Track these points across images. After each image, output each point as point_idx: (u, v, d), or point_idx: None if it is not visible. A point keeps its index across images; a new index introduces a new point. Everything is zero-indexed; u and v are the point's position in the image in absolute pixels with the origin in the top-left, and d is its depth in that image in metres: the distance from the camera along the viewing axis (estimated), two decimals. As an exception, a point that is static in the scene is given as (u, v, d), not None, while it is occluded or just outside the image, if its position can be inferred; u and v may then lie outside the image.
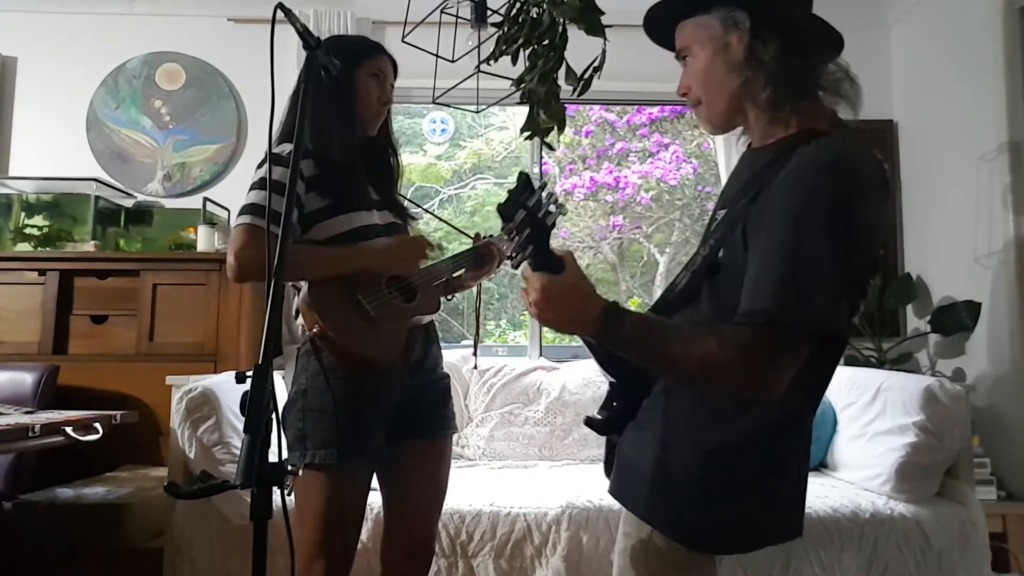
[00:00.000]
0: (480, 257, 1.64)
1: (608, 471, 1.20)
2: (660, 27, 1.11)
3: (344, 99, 1.47)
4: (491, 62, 1.68)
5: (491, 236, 1.70)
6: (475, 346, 1.84)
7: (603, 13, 1.50)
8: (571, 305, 0.98)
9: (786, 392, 0.94)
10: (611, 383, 1.15)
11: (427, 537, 1.57)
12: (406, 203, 1.65)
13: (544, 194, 1.02)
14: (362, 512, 1.46)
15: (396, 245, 1.47)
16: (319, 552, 1.36)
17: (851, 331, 1.02)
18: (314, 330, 1.33)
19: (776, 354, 0.90)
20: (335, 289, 1.37)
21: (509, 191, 1.00)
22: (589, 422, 1.15)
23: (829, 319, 0.90)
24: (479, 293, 1.78)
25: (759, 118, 1.04)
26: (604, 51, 1.51)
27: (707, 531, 1.03)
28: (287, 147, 1.38)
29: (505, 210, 0.99)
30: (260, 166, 1.43)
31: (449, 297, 1.67)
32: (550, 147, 1.69)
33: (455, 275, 1.63)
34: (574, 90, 1.58)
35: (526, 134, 1.65)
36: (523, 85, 1.60)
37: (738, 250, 0.97)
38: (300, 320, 1.42)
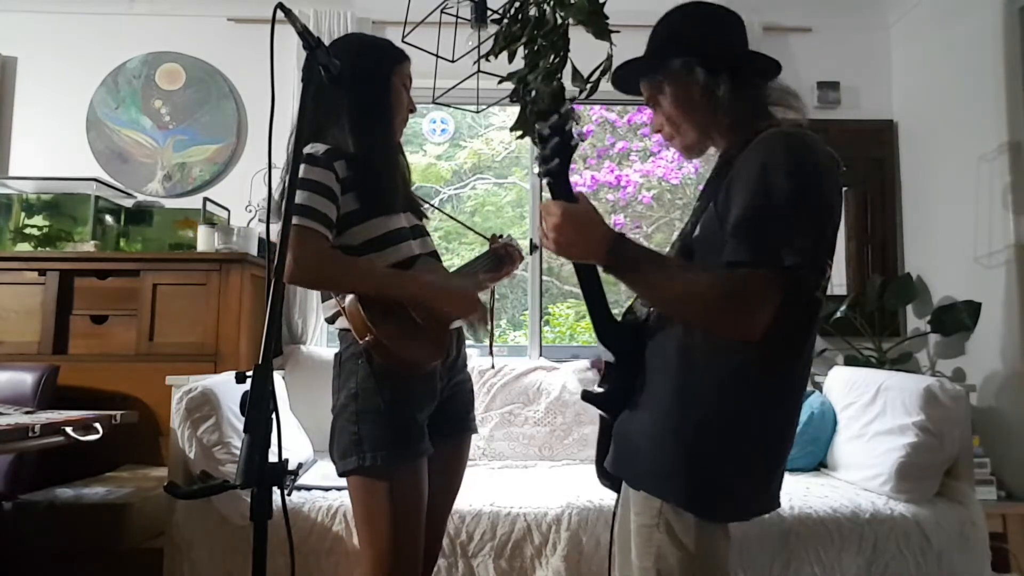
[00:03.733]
0: (499, 259, 1.66)
1: (600, 461, 1.26)
2: (628, 81, 1.28)
3: (384, 105, 1.48)
4: (491, 58, 1.68)
5: (503, 237, 1.70)
6: (491, 346, 1.85)
7: (608, 18, 1.51)
8: (587, 231, 1.09)
9: (774, 355, 1.07)
10: (607, 363, 1.22)
11: (437, 536, 1.58)
12: (423, 204, 1.65)
13: (574, 115, 1.11)
14: (425, 511, 1.42)
15: (459, 295, 1.45)
16: (393, 559, 1.33)
17: (824, 293, 1.11)
18: (367, 338, 1.31)
19: (754, 290, 0.99)
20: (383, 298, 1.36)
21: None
22: (587, 396, 1.23)
23: (802, 254, 0.99)
24: (492, 293, 1.79)
25: (723, 135, 1.19)
26: (610, 56, 1.52)
27: (713, 497, 1.08)
28: (320, 147, 1.38)
29: (542, 112, 1.11)
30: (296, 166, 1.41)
31: None
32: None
33: None
34: (580, 92, 1.58)
35: (517, 133, 1.66)
36: (528, 84, 1.60)
37: (712, 223, 1.09)
38: (342, 324, 1.40)
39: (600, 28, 1.49)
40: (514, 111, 1.67)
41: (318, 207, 1.32)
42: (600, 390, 1.22)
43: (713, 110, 1.15)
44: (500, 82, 1.72)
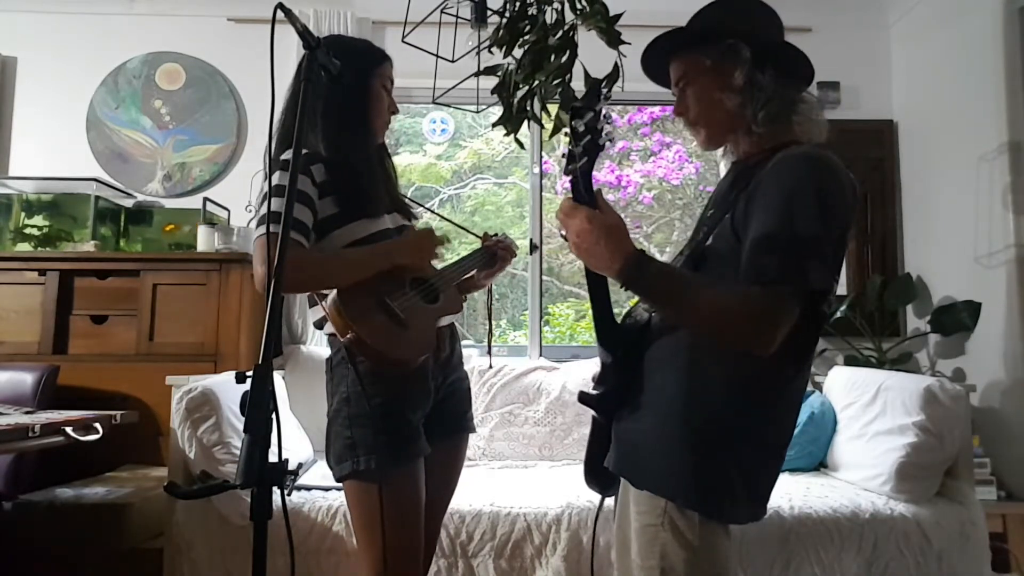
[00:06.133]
0: (492, 256, 1.65)
1: (589, 463, 1.27)
2: (654, 62, 1.24)
3: (361, 108, 1.46)
4: (493, 51, 1.69)
5: (497, 235, 1.70)
6: (488, 345, 1.85)
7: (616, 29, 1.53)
8: (610, 243, 1.07)
9: (780, 363, 1.07)
10: (604, 364, 1.22)
11: (433, 535, 1.58)
12: (409, 203, 1.64)
13: (605, 112, 1.10)
14: (423, 513, 1.42)
15: (411, 240, 1.46)
16: (393, 562, 1.33)
17: (829, 307, 1.12)
18: (348, 336, 1.30)
19: (778, 309, 0.99)
20: (362, 294, 1.34)
21: (582, 97, 1.11)
22: (583, 397, 1.22)
23: (823, 277, 1.02)
24: (490, 292, 1.79)
25: (748, 135, 1.16)
26: (616, 64, 1.53)
27: (719, 497, 1.08)
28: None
29: (578, 108, 1.09)
30: (273, 172, 1.39)
31: (464, 298, 1.67)
32: (520, 145, 1.73)
33: (468, 276, 1.64)
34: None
35: (501, 130, 1.68)
36: (535, 83, 1.61)
37: (726, 237, 1.08)
38: (328, 328, 1.39)
39: (613, 37, 1.51)
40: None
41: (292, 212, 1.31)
42: (596, 392, 1.22)
43: (747, 101, 1.13)
44: (478, 76, 1.73)
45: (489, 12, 1.86)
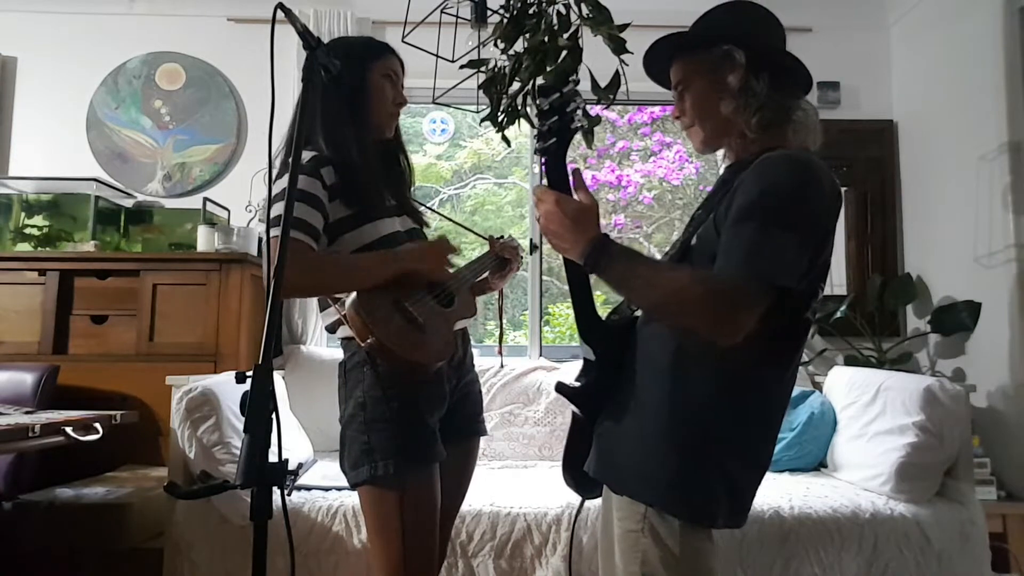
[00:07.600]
0: (501, 258, 1.65)
1: (567, 462, 1.26)
2: (656, 64, 1.25)
3: (359, 103, 1.44)
4: (498, 43, 1.69)
5: (502, 236, 1.70)
6: (499, 343, 1.86)
7: (625, 40, 1.54)
8: (577, 227, 1.08)
9: (764, 368, 1.08)
10: (585, 360, 1.21)
11: (445, 539, 1.56)
12: (419, 206, 1.63)
13: (578, 98, 1.11)
14: (438, 518, 1.40)
15: (424, 246, 1.44)
16: (408, 568, 1.32)
17: (814, 315, 1.12)
18: (369, 341, 1.28)
19: (740, 298, 0.98)
20: (382, 300, 1.33)
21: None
22: (560, 387, 1.22)
23: (788, 273, 1.00)
24: (501, 293, 1.79)
25: (741, 140, 1.16)
26: (617, 72, 1.54)
27: (699, 502, 1.07)
28: (306, 154, 1.34)
29: (544, 87, 1.11)
30: (280, 176, 1.37)
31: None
32: (507, 142, 1.73)
33: (480, 278, 1.63)
34: (598, 101, 1.61)
35: (488, 126, 1.70)
36: (530, 84, 1.61)
37: (710, 234, 1.08)
38: (343, 332, 1.38)
39: (620, 45, 1.53)
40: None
41: (302, 216, 1.29)
42: (576, 384, 1.21)
43: (743, 106, 1.13)
44: (461, 67, 1.73)
45: (489, 12, 1.86)
